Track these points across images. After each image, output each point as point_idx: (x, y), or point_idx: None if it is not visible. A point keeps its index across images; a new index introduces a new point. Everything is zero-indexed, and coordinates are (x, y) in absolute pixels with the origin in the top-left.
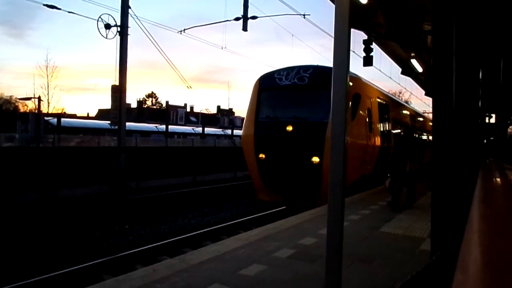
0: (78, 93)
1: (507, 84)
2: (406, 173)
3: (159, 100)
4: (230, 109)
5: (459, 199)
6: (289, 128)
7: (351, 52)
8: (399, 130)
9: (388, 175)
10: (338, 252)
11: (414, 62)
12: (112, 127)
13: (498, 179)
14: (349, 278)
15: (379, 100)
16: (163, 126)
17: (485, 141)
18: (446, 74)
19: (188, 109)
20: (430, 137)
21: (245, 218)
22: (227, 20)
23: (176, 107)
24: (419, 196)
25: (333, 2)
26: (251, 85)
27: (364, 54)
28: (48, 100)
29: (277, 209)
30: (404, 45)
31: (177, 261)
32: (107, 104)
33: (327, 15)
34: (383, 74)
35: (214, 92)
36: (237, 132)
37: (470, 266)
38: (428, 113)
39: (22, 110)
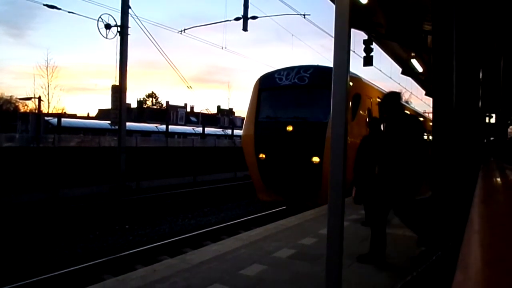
0: (78, 93)
1: (507, 84)
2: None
3: (159, 100)
4: (230, 109)
5: (459, 199)
6: (289, 128)
7: (351, 52)
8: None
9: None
10: (338, 252)
11: (414, 62)
12: (112, 127)
13: (499, 179)
14: (349, 278)
15: (379, 100)
16: (163, 126)
17: (485, 141)
18: (446, 74)
19: (188, 109)
20: (430, 137)
21: (246, 218)
22: (227, 20)
23: (176, 107)
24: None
25: (333, 2)
26: (251, 85)
27: (364, 54)
28: (48, 100)
29: (277, 209)
30: (404, 45)
31: (178, 261)
32: (107, 104)
33: (327, 15)
34: (383, 74)
35: (214, 92)
36: (237, 132)
37: (470, 266)
38: (428, 113)
39: (22, 110)
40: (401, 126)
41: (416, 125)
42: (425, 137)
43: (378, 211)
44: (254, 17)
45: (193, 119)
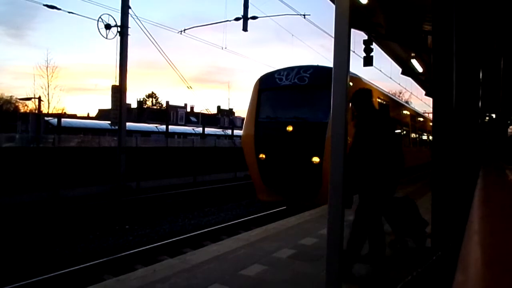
0: (78, 93)
1: (507, 84)
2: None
3: (159, 100)
4: (230, 109)
5: (459, 199)
6: (289, 128)
7: (351, 52)
8: (399, 130)
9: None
10: (338, 252)
11: (414, 62)
12: (112, 127)
13: (499, 179)
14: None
15: (379, 100)
16: (164, 126)
17: (485, 141)
18: (446, 74)
19: (188, 109)
20: (430, 137)
21: (246, 218)
22: (227, 20)
23: (176, 107)
24: None
25: (333, 2)
26: (251, 85)
27: (364, 54)
28: (48, 100)
29: (277, 209)
30: (404, 45)
31: (178, 262)
32: (107, 104)
33: (327, 15)
34: (383, 74)
35: (214, 92)
36: (237, 132)
37: (470, 266)
38: (428, 113)
39: (22, 111)
40: (371, 123)
41: (387, 122)
42: (402, 133)
43: (370, 211)
44: (254, 17)
45: (193, 119)
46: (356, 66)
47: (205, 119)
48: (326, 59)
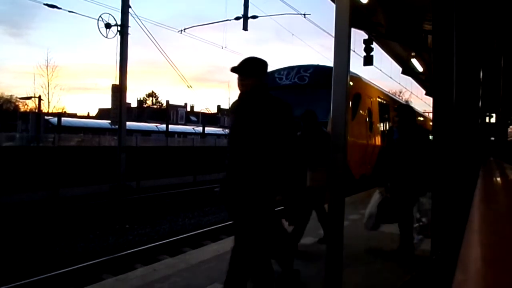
0: (78, 93)
1: (507, 84)
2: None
3: (159, 99)
4: None
5: (459, 199)
6: None
7: (351, 52)
8: None
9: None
10: (338, 252)
11: (414, 61)
12: (113, 126)
13: (499, 179)
14: (349, 278)
15: (379, 99)
16: (164, 126)
17: (485, 141)
18: (447, 73)
19: (189, 109)
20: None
21: None
22: (228, 20)
23: (176, 107)
24: None
25: (334, 2)
26: None
27: (365, 54)
28: (48, 99)
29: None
30: (405, 44)
31: (177, 261)
32: (107, 103)
33: (328, 15)
34: (383, 74)
35: (214, 92)
36: None
37: (470, 266)
38: (428, 113)
39: (22, 110)
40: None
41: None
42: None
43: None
44: (254, 17)
45: (193, 118)
46: (356, 65)
47: (205, 119)
48: (326, 58)
